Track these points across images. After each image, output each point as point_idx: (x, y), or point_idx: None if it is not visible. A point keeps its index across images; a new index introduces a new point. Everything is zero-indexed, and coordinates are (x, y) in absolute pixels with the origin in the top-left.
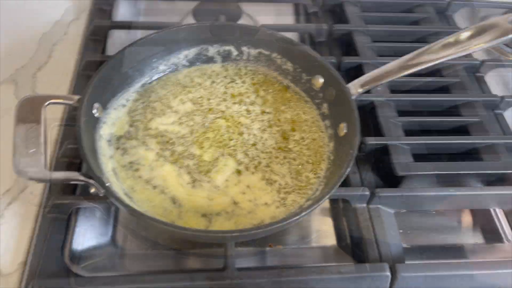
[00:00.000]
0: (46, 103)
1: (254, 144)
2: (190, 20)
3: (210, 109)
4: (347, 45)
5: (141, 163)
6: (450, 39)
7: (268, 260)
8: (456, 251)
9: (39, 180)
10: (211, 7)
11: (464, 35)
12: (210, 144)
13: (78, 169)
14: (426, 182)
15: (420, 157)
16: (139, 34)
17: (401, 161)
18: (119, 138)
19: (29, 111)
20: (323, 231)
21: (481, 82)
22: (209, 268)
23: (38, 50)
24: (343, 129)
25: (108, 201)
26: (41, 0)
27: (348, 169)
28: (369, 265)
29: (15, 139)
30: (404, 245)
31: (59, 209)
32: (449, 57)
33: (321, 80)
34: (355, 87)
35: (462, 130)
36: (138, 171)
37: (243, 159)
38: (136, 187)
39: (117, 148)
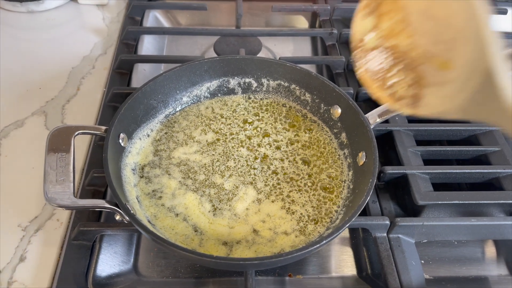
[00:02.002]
0: (76, 133)
1: (274, 173)
2: (211, 53)
3: (231, 139)
4: None
5: (164, 191)
6: None
7: None
8: (480, 283)
9: (68, 208)
10: (231, 41)
11: None
12: (231, 173)
13: (103, 196)
14: (446, 212)
15: (440, 186)
16: (162, 67)
17: (421, 190)
18: (143, 167)
19: (59, 140)
20: (342, 260)
21: None
22: None
23: (68, 83)
24: (362, 158)
25: (131, 228)
26: (71, 37)
27: (368, 198)
28: None
29: (46, 168)
30: (426, 276)
31: (84, 236)
32: None
33: (339, 110)
34: (373, 117)
35: (482, 160)
36: (161, 199)
37: (263, 188)
38: (158, 215)
39: (141, 177)
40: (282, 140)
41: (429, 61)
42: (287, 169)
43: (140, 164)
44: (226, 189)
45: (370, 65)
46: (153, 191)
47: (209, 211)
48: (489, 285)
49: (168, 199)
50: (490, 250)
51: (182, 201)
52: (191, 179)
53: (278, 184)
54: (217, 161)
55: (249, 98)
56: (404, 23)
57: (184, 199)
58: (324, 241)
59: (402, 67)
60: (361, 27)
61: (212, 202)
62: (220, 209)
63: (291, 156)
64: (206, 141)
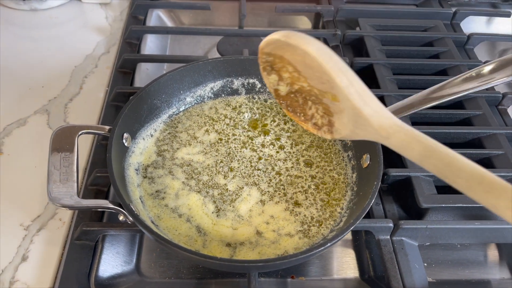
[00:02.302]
0: (80, 133)
1: (278, 174)
2: (214, 53)
3: (234, 140)
4: (368, 78)
5: (168, 192)
6: (473, 72)
7: None
8: (483, 287)
9: (71, 208)
10: (234, 41)
11: (487, 69)
12: (234, 174)
13: (105, 196)
14: (450, 215)
15: (443, 189)
16: (165, 66)
17: (425, 193)
18: (146, 167)
19: (63, 140)
20: (345, 263)
21: (503, 114)
22: None
23: (70, 82)
24: (366, 160)
25: (135, 229)
26: (74, 35)
27: (373, 201)
28: None
29: (49, 167)
30: (429, 279)
31: (87, 236)
32: (472, 91)
33: None
34: None
35: (485, 163)
36: (164, 199)
37: (267, 189)
38: (162, 215)
39: (145, 177)
40: (286, 142)
41: (325, 96)
42: (290, 170)
43: (143, 164)
44: (229, 190)
45: (291, 105)
46: (156, 191)
47: (212, 212)
48: None
49: (171, 199)
50: (493, 253)
51: (185, 202)
52: (194, 179)
53: (282, 185)
54: (221, 162)
55: (253, 98)
56: (297, 72)
57: (187, 199)
58: (329, 244)
59: (312, 102)
60: (271, 82)
61: (216, 203)
62: (223, 210)
63: (295, 157)
64: (209, 141)
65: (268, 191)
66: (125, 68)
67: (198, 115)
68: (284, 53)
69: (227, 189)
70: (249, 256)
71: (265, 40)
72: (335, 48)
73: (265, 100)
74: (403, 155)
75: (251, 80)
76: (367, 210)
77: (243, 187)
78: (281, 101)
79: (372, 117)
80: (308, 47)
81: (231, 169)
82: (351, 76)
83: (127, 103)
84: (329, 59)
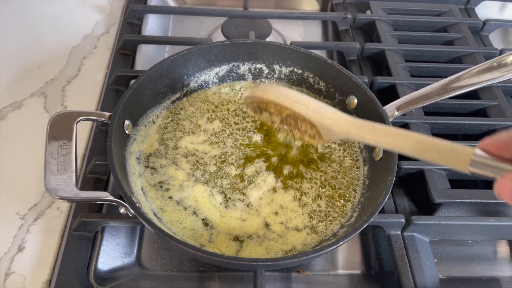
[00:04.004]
0: (78, 119)
1: (287, 163)
2: (219, 35)
3: (241, 127)
4: (378, 65)
5: (171, 183)
6: (494, 62)
7: (295, 286)
8: (494, 284)
9: (70, 200)
10: (239, 23)
11: (511, 59)
12: (245, 161)
13: (105, 185)
14: (462, 210)
15: (456, 183)
16: (167, 49)
17: (438, 188)
18: (148, 156)
19: (61, 127)
20: (352, 258)
21: None
22: None
23: (68, 63)
24: (379, 153)
25: (136, 221)
26: (72, 14)
27: (387, 197)
28: None
29: (46, 156)
30: (440, 276)
31: (86, 227)
32: (493, 81)
33: (355, 101)
34: (391, 110)
35: None
36: (168, 191)
37: (278, 178)
38: (166, 208)
39: (146, 167)
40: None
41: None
42: (301, 162)
43: (145, 153)
44: (245, 175)
45: (288, 127)
46: (159, 182)
47: (220, 203)
48: (502, 286)
49: (176, 191)
50: (504, 249)
51: (191, 194)
52: (200, 170)
53: (293, 175)
54: (231, 148)
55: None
56: (278, 105)
57: (193, 191)
58: (341, 242)
59: (301, 121)
60: (266, 119)
61: (224, 193)
62: (232, 200)
63: (305, 147)
64: (213, 129)
65: (279, 180)
66: (125, 50)
67: (202, 101)
68: (262, 99)
69: (242, 174)
70: (256, 251)
71: (243, 98)
72: (345, 32)
73: None
74: (360, 141)
75: (258, 65)
76: (381, 206)
77: (260, 173)
78: (281, 130)
79: (332, 125)
80: (267, 96)
81: (239, 157)
82: (306, 102)
83: (128, 88)
84: (285, 98)
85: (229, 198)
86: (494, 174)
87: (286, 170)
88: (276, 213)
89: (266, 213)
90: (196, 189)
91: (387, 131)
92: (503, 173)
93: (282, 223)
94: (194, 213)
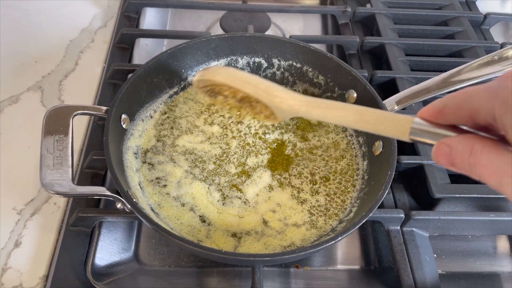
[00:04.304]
0: (75, 114)
1: (286, 159)
2: (217, 29)
3: (240, 122)
4: (378, 59)
5: (169, 180)
6: (495, 56)
7: (293, 282)
8: (493, 280)
9: (66, 195)
10: (238, 16)
11: (510, 52)
12: (246, 157)
13: (103, 180)
14: (462, 205)
15: (456, 177)
16: (165, 42)
17: (438, 182)
18: (145, 152)
19: (57, 121)
20: (350, 253)
21: None
22: None
23: (65, 57)
24: (378, 147)
25: (133, 216)
26: (69, 7)
27: (386, 192)
28: None
29: (42, 151)
30: (439, 271)
31: (83, 222)
32: (494, 75)
33: (355, 95)
34: (391, 104)
35: None
36: (165, 187)
37: (276, 175)
38: (163, 204)
39: (144, 162)
40: (289, 124)
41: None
42: (298, 156)
43: (142, 148)
44: (248, 165)
45: (243, 108)
46: (156, 178)
47: (218, 200)
48: (501, 283)
49: (173, 188)
50: (504, 245)
51: (189, 191)
52: (198, 168)
53: (290, 171)
54: (227, 148)
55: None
56: (232, 88)
57: (191, 188)
58: (340, 237)
59: (255, 101)
60: (220, 102)
61: (222, 190)
62: (230, 197)
63: (303, 141)
64: (213, 121)
65: (277, 177)
66: (123, 44)
67: (200, 97)
68: (212, 81)
69: (242, 171)
70: (254, 247)
71: (193, 82)
72: (344, 26)
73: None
74: (309, 118)
75: (257, 59)
76: (380, 202)
77: (257, 169)
78: (237, 109)
79: (282, 103)
80: (216, 78)
81: (237, 154)
82: (255, 82)
83: (125, 82)
84: (234, 78)
85: (226, 196)
86: (432, 141)
87: (283, 166)
88: (274, 211)
89: (264, 211)
90: (194, 186)
91: (332, 105)
92: (440, 139)
93: (280, 220)
94: (192, 209)
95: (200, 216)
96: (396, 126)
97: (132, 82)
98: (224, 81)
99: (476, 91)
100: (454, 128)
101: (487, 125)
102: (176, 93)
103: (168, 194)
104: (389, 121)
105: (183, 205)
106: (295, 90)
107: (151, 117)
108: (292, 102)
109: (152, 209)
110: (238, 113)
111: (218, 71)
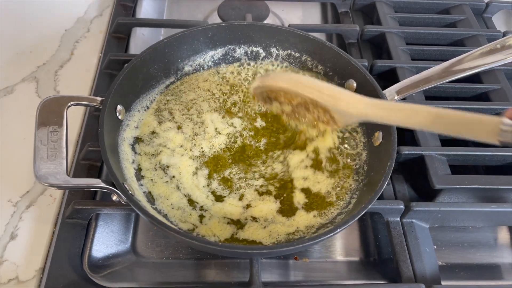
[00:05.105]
0: (69, 104)
1: (282, 147)
2: (215, 18)
3: (239, 110)
4: (378, 48)
5: (167, 146)
6: (497, 44)
7: (292, 274)
8: (493, 271)
9: (60, 187)
10: (236, 5)
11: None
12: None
13: (99, 172)
14: (463, 196)
15: (456, 168)
16: (162, 32)
17: (438, 173)
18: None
19: (51, 112)
20: (350, 245)
21: None
22: (232, 281)
23: (60, 47)
24: (378, 138)
25: (129, 207)
26: None
27: (386, 183)
28: (404, 285)
29: (36, 143)
30: (439, 263)
31: (79, 215)
32: (496, 64)
33: (355, 85)
34: (391, 94)
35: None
36: (160, 154)
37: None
38: (155, 179)
39: (142, 141)
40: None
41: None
42: (296, 148)
43: (139, 139)
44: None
45: (300, 114)
46: (158, 145)
47: (203, 186)
48: (502, 274)
49: (166, 155)
50: (504, 236)
51: (175, 162)
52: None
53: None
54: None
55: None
56: (288, 93)
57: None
58: (338, 229)
59: (313, 106)
60: (277, 109)
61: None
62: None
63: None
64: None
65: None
66: (119, 33)
67: (197, 85)
68: (273, 87)
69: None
70: (258, 234)
71: (251, 88)
72: (344, 15)
73: (270, 71)
74: (376, 121)
75: (255, 48)
76: (380, 194)
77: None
78: (293, 118)
79: (348, 107)
80: (278, 84)
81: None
82: (319, 86)
83: (120, 72)
84: (296, 83)
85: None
86: None
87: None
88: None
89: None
90: (183, 160)
91: (402, 106)
92: None
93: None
94: (178, 188)
95: (185, 196)
96: (482, 128)
97: (128, 72)
98: (286, 86)
99: None
100: None
101: None
102: (172, 83)
103: (160, 163)
104: (473, 124)
105: (171, 178)
106: None
107: (148, 107)
108: (359, 105)
109: (148, 201)
110: (295, 122)
111: (279, 77)
